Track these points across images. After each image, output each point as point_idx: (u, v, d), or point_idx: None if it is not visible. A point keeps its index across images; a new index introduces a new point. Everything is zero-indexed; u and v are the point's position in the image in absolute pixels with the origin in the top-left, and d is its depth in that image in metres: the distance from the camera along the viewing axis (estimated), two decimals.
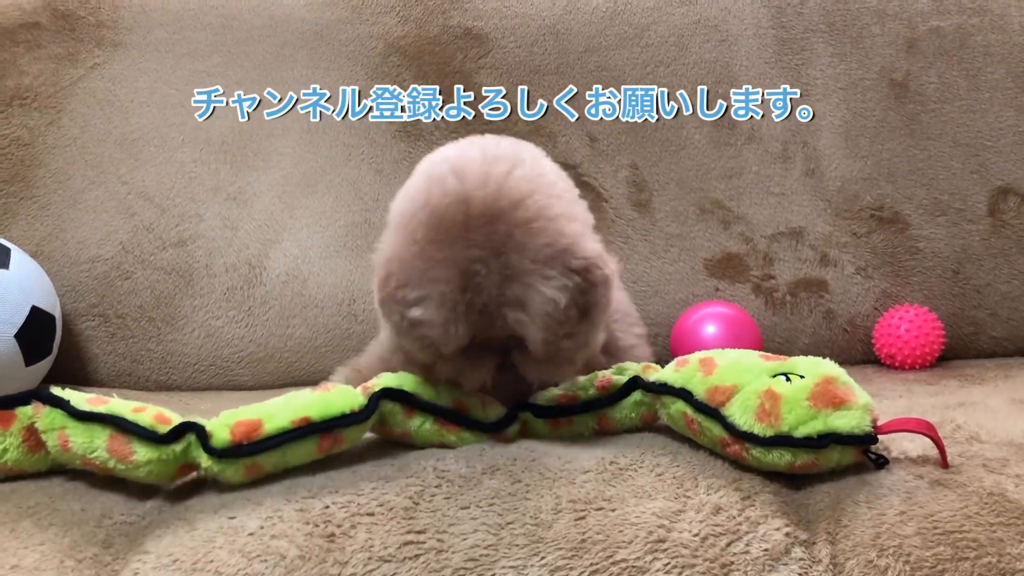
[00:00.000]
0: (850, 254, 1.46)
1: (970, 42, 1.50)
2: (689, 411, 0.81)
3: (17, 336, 1.22)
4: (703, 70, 1.51)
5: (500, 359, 0.84)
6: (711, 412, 0.79)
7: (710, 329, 1.29)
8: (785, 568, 0.67)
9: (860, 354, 1.45)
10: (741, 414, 0.77)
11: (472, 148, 0.86)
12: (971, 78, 1.50)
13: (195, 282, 1.44)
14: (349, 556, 0.67)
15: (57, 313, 1.32)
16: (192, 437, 0.77)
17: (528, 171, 0.82)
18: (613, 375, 0.88)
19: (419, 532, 0.69)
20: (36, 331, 1.25)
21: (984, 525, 0.69)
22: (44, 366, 1.29)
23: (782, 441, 0.75)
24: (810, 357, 0.82)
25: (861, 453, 0.77)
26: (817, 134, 1.50)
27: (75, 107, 1.49)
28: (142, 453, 0.76)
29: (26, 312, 1.23)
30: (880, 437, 0.78)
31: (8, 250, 1.27)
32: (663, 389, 0.83)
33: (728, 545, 0.68)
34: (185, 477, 0.81)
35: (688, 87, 1.51)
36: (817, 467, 0.76)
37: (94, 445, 0.78)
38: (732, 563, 0.67)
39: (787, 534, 0.69)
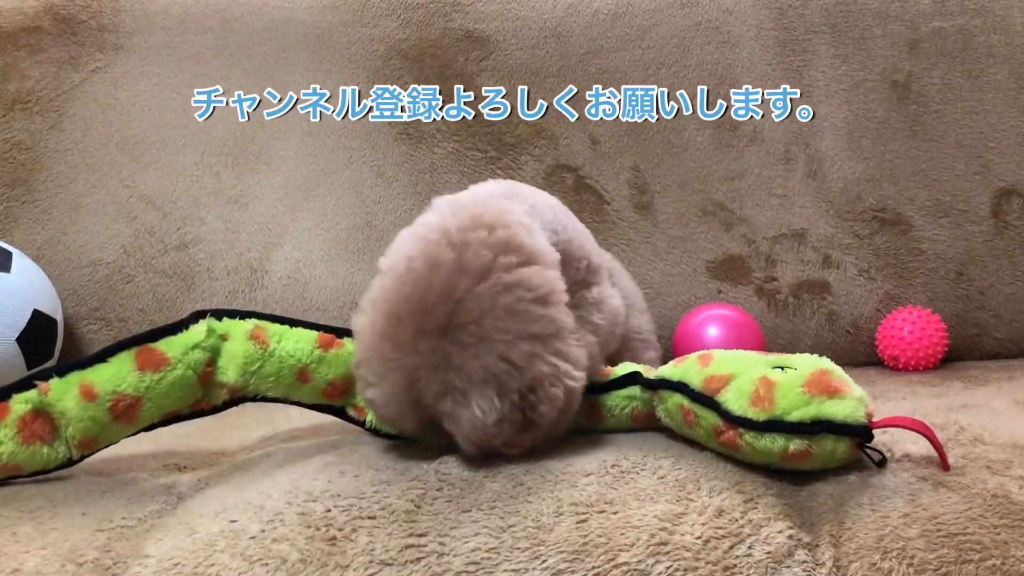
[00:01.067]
0: (853, 256, 1.46)
1: (972, 43, 1.50)
2: (686, 402, 0.81)
3: (19, 340, 1.22)
4: (705, 71, 1.51)
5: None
6: (706, 400, 0.79)
7: (712, 331, 1.29)
8: (788, 571, 0.67)
9: (863, 356, 1.45)
10: (736, 400, 0.77)
11: (465, 220, 0.82)
12: (973, 79, 1.50)
13: (197, 285, 1.44)
14: (350, 560, 0.67)
15: (59, 317, 1.32)
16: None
17: (505, 272, 0.79)
18: (613, 370, 0.91)
19: (420, 535, 0.68)
20: (38, 335, 1.25)
21: (988, 527, 0.69)
22: None
23: (775, 426, 0.74)
24: (807, 355, 0.81)
25: (856, 447, 0.75)
26: (819, 135, 1.50)
27: (77, 111, 1.50)
28: (175, 348, 0.83)
29: (28, 316, 1.23)
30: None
31: (10, 254, 1.27)
32: (661, 384, 0.84)
33: (731, 548, 0.68)
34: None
35: (690, 88, 1.51)
36: (811, 459, 0.75)
37: (122, 372, 0.81)
38: (735, 566, 0.66)
39: (790, 536, 0.69)
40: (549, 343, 0.79)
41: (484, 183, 0.97)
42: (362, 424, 0.94)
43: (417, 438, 0.86)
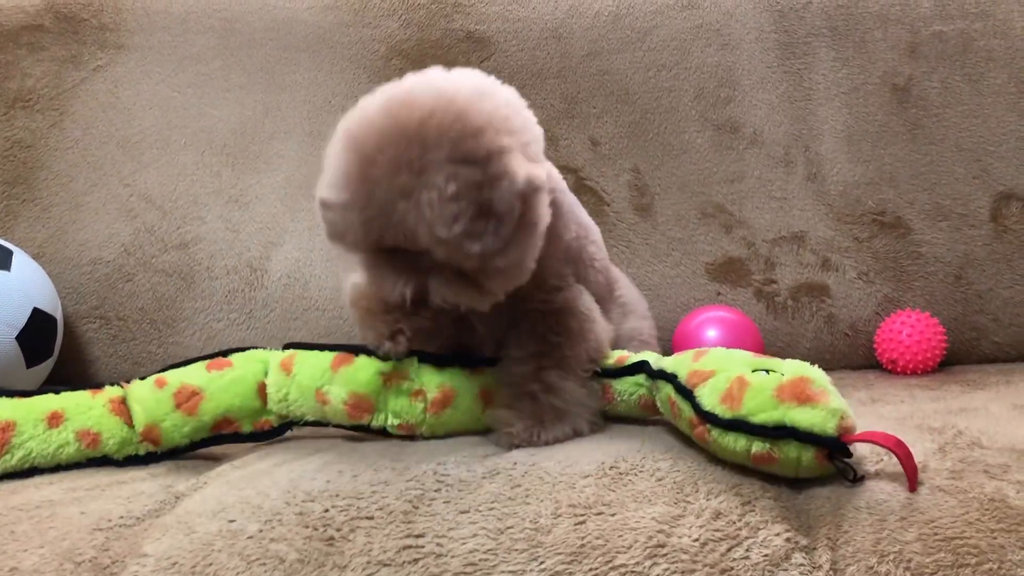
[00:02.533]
0: (852, 259, 1.46)
1: (972, 47, 1.50)
2: (672, 394, 0.84)
3: (18, 338, 1.22)
4: (705, 74, 1.52)
5: (416, 278, 0.83)
6: (686, 393, 0.82)
7: (711, 333, 1.29)
8: (785, 573, 0.67)
9: (862, 359, 1.45)
10: (709, 395, 0.79)
11: (433, 81, 0.84)
12: (973, 83, 1.50)
13: (196, 284, 1.44)
14: (348, 560, 0.67)
15: (58, 315, 1.32)
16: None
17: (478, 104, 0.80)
18: (631, 355, 0.94)
19: (418, 536, 0.69)
20: (37, 333, 1.25)
21: (985, 531, 0.69)
22: (45, 368, 1.29)
23: (738, 425, 0.75)
24: (798, 361, 0.82)
25: (825, 458, 0.74)
26: (819, 139, 1.50)
27: (78, 109, 1.50)
28: (239, 357, 0.97)
29: (27, 314, 1.23)
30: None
31: (10, 252, 1.27)
32: (660, 374, 0.87)
33: (728, 550, 0.68)
34: None
35: (690, 91, 1.51)
36: (777, 463, 0.75)
37: (193, 369, 0.94)
38: (732, 568, 0.67)
39: (787, 539, 0.69)
40: (507, 132, 0.79)
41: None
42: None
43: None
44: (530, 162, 0.80)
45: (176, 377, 0.94)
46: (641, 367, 0.91)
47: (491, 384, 0.93)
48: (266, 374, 0.95)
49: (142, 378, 0.95)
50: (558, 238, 0.95)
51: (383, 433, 0.93)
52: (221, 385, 0.94)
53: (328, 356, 0.93)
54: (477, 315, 0.94)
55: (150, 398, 0.93)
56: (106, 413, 0.93)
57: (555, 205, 0.93)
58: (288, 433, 0.99)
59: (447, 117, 0.77)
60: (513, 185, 0.77)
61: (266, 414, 0.96)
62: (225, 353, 0.97)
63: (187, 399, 0.93)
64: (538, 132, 0.87)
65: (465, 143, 0.76)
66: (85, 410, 0.93)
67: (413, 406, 0.91)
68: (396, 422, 0.91)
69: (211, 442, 0.96)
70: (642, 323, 1.17)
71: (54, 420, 0.91)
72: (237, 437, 0.96)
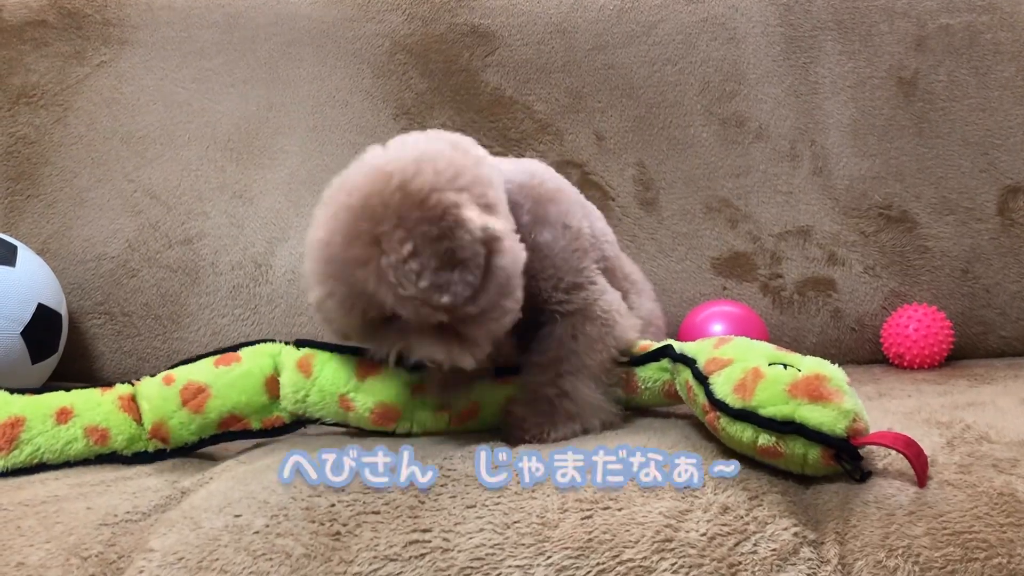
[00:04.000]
0: (858, 253, 1.46)
1: (979, 40, 1.50)
2: (690, 378, 0.84)
3: (23, 334, 1.22)
4: (711, 68, 1.51)
5: (400, 341, 0.84)
6: (701, 379, 0.82)
7: (717, 327, 1.29)
8: (793, 568, 0.67)
9: (868, 353, 1.44)
10: (722, 384, 0.79)
11: (370, 161, 0.85)
12: (980, 76, 1.49)
13: (201, 280, 1.44)
14: (355, 555, 0.67)
15: (63, 311, 1.32)
16: None
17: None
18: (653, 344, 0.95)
19: (425, 531, 0.68)
20: (42, 329, 1.25)
21: (994, 526, 0.69)
22: (50, 364, 1.29)
23: (746, 416, 0.75)
24: (818, 358, 0.81)
25: (832, 458, 0.74)
26: (825, 132, 1.49)
27: (81, 105, 1.50)
28: (248, 352, 0.96)
29: (32, 310, 1.23)
30: (882, 450, 0.77)
31: (14, 248, 1.27)
32: (681, 358, 0.87)
33: (736, 545, 0.68)
34: None
35: (696, 85, 1.51)
36: (783, 458, 0.75)
37: (200, 366, 0.94)
38: (740, 563, 0.66)
39: (795, 534, 0.69)
40: (457, 190, 0.80)
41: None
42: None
43: (370, 349, 0.87)
44: (486, 212, 0.81)
45: (183, 374, 0.94)
46: (665, 351, 0.91)
47: (515, 394, 0.93)
48: (275, 369, 0.95)
49: (152, 375, 0.96)
50: (565, 228, 0.94)
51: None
52: (227, 381, 0.93)
53: (352, 362, 0.92)
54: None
55: (157, 395, 0.93)
56: (115, 410, 0.93)
57: (546, 196, 0.94)
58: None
59: (387, 191, 0.78)
60: (472, 232, 0.78)
61: (276, 410, 0.95)
62: (236, 347, 0.97)
63: (193, 396, 0.92)
64: (496, 181, 0.87)
65: (412, 208, 0.78)
66: (94, 407, 0.93)
67: (439, 418, 0.92)
68: (420, 430, 0.92)
69: (221, 439, 0.95)
70: (654, 307, 1.17)
71: (63, 416, 0.91)
72: (247, 434, 0.96)
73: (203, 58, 1.52)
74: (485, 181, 0.84)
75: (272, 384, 0.94)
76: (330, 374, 0.92)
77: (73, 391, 0.95)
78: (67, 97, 1.50)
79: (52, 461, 0.90)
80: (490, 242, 0.79)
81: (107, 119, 1.49)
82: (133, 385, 0.96)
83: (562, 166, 1.49)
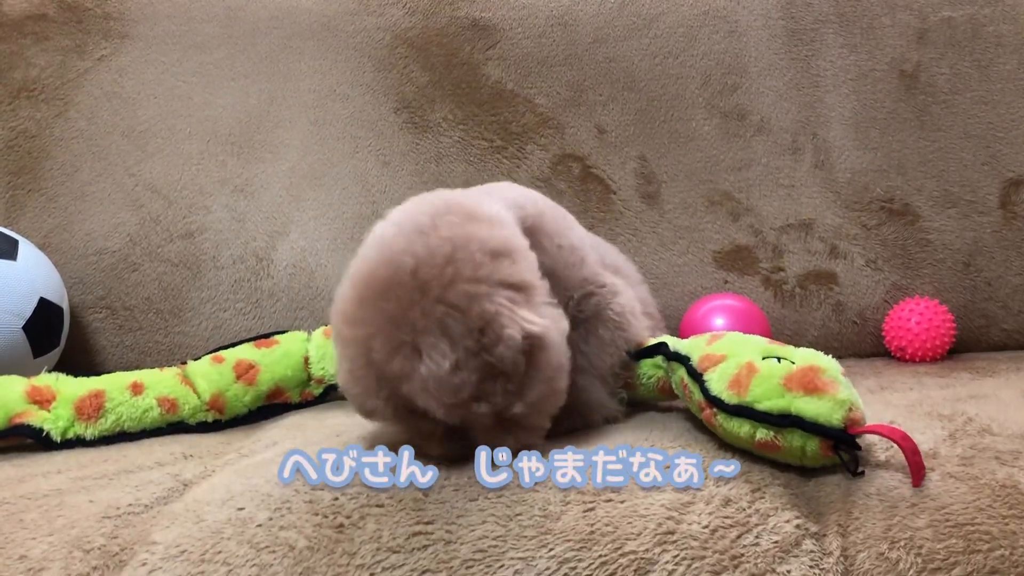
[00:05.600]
0: (860, 246, 1.46)
1: (982, 33, 1.49)
2: (685, 376, 0.85)
3: (25, 328, 1.22)
4: (712, 61, 1.51)
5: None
6: (696, 376, 0.82)
7: (719, 321, 1.29)
8: (796, 560, 0.67)
9: (870, 347, 1.44)
10: (717, 380, 0.79)
11: (416, 218, 0.81)
12: (982, 69, 1.49)
13: (202, 274, 1.44)
14: (358, 547, 0.67)
15: (65, 305, 1.32)
16: None
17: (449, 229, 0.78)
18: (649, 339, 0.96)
19: (428, 523, 0.68)
20: (44, 323, 1.25)
21: (997, 518, 0.69)
22: (52, 358, 1.30)
23: (742, 411, 0.76)
24: (811, 350, 0.81)
25: (829, 449, 0.73)
26: (827, 126, 1.49)
27: (82, 99, 1.49)
28: (283, 336, 1.18)
29: (34, 304, 1.23)
30: (884, 444, 0.77)
31: (16, 242, 1.27)
32: (675, 356, 0.88)
33: (738, 537, 0.68)
34: None
35: (697, 78, 1.50)
36: (780, 451, 0.74)
37: (243, 349, 1.14)
38: (742, 555, 0.66)
39: (797, 526, 0.69)
40: (495, 287, 0.76)
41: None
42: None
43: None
44: (522, 304, 0.77)
45: (230, 355, 1.11)
46: (659, 349, 0.91)
47: None
48: (308, 350, 1.13)
49: (196, 358, 1.12)
50: (559, 248, 0.93)
51: None
52: (273, 359, 1.11)
53: None
54: None
55: (212, 371, 1.08)
56: (178, 383, 1.06)
57: (538, 230, 0.91)
58: (295, 422, 0.99)
59: (423, 297, 0.74)
60: (512, 348, 0.74)
61: (310, 385, 1.14)
62: (269, 335, 1.16)
63: (245, 371, 1.09)
64: (520, 243, 0.82)
65: (453, 317, 0.74)
66: (159, 380, 1.05)
67: None
68: None
69: (266, 411, 1.11)
70: (642, 290, 1.15)
71: (136, 388, 1.03)
72: (287, 407, 1.12)
73: (204, 52, 1.52)
74: (516, 250, 0.80)
75: (307, 363, 1.14)
76: None
77: (133, 371, 1.07)
78: (68, 91, 1.50)
79: (132, 429, 1.01)
80: (532, 344, 0.76)
81: (108, 113, 1.49)
82: (180, 368, 1.09)
83: (563, 159, 1.49)
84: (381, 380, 0.75)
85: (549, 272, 0.88)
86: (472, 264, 0.75)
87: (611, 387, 0.93)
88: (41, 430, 0.96)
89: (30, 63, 1.50)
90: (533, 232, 0.90)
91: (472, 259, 0.76)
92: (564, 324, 0.82)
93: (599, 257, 1.03)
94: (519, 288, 0.78)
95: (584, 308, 0.94)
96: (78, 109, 1.49)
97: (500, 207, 0.86)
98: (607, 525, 0.68)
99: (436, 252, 0.75)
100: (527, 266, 0.81)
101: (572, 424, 0.89)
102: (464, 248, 0.76)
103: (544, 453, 0.76)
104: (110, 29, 1.52)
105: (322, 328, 1.17)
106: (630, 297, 0.98)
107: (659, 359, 0.92)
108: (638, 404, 0.96)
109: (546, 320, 0.78)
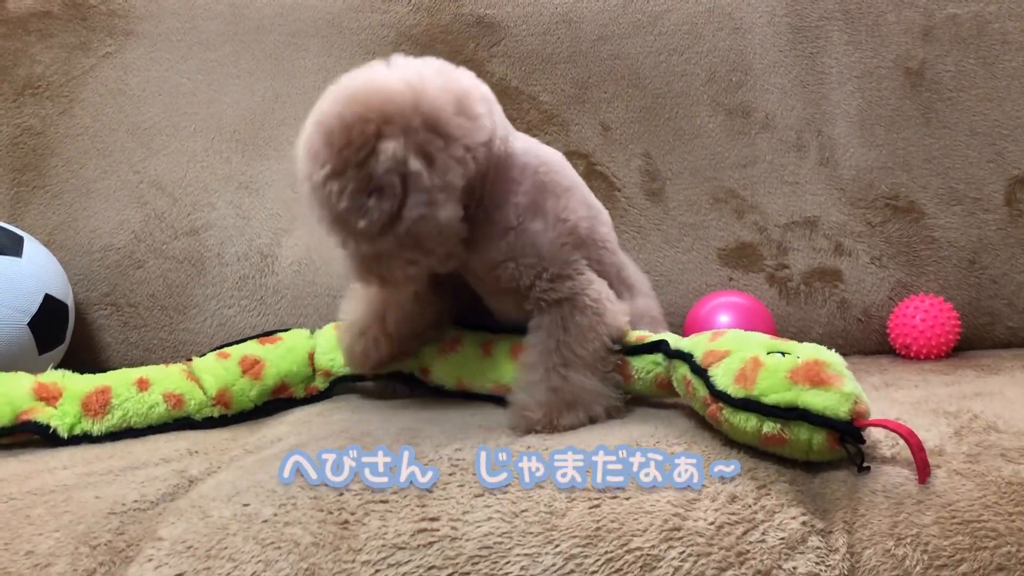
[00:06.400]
0: (865, 244, 1.45)
1: (987, 30, 1.49)
2: (688, 373, 0.85)
3: (31, 324, 1.22)
4: (717, 58, 1.50)
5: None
6: (700, 372, 0.82)
7: (724, 318, 1.28)
8: (802, 557, 0.67)
9: (875, 344, 1.44)
10: (723, 375, 0.80)
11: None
12: (988, 66, 1.48)
13: (207, 271, 1.44)
14: (363, 543, 0.67)
15: (70, 302, 1.32)
16: None
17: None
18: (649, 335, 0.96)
19: (433, 519, 0.68)
20: (49, 319, 1.25)
21: (1003, 515, 0.69)
22: (57, 354, 1.30)
23: (749, 405, 0.76)
24: (815, 344, 0.81)
25: (836, 442, 0.74)
26: (832, 123, 1.49)
27: (87, 96, 1.49)
28: (287, 334, 1.20)
29: (39, 300, 1.23)
30: (893, 436, 0.77)
31: (21, 239, 1.27)
32: (676, 354, 0.88)
33: (744, 533, 0.68)
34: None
35: (702, 75, 1.50)
36: (787, 445, 0.74)
37: (248, 345, 1.15)
38: (748, 551, 0.66)
39: (803, 523, 0.69)
40: (389, 124, 0.84)
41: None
42: (424, 386, 1.09)
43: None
44: (419, 156, 0.84)
45: (236, 351, 1.12)
46: (659, 346, 0.91)
47: (489, 338, 1.05)
48: (312, 346, 1.15)
49: (201, 355, 1.13)
50: (559, 221, 0.94)
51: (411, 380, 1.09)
52: (278, 354, 1.13)
53: None
54: (491, 301, 0.99)
55: (219, 367, 1.09)
56: (184, 379, 1.06)
57: (549, 187, 0.95)
58: (300, 418, 0.99)
59: (323, 119, 0.86)
60: (386, 162, 0.82)
61: (315, 380, 1.15)
62: (272, 332, 1.18)
63: (251, 366, 1.10)
64: (462, 124, 0.88)
65: (343, 136, 0.84)
66: (165, 376, 1.05)
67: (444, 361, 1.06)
68: (416, 369, 1.09)
69: (272, 406, 1.11)
70: (649, 301, 1.16)
71: (142, 384, 1.03)
72: (292, 402, 1.13)
73: (208, 49, 1.52)
74: (438, 124, 0.86)
75: (311, 358, 1.15)
76: None
77: (139, 367, 1.08)
78: (72, 88, 1.50)
79: (138, 425, 1.01)
80: (407, 178, 0.83)
81: (112, 110, 1.49)
82: (186, 364, 1.10)
83: (568, 156, 1.45)
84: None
85: (535, 234, 0.93)
86: (377, 102, 0.85)
87: (600, 374, 0.93)
88: (48, 426, 0.96)
89: (35, 60, 1.50)
90: (543, 190, 0.96)
91: (384, 99, 0.85)
92: (450, 211, 0.87)
93: (603, 262, 1.03)
94: (422, 146, 0.85)
95: (557, 289, 0.94)
96: (83, 106, 1.49)
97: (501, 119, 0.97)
98: (613, 521, 0.68)
99: (360, 85, 0.88)
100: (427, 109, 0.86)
101: (577, 418, 0.89)
102: (383, 90, 0.86)
103: (544, 454, 0.76)
104: (115, 26, 1.52)
105: (330, 324, 1.18)
106: (604, 286, 0.98)
107: (658, 356, 0.92)
108: (638, 400, 0.96)
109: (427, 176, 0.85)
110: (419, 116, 0.85)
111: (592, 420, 0.90)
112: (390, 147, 0.83)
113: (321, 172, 0.84)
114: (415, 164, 0.83)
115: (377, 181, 0.83)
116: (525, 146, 0.98)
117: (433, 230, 0.86)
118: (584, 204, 1.01)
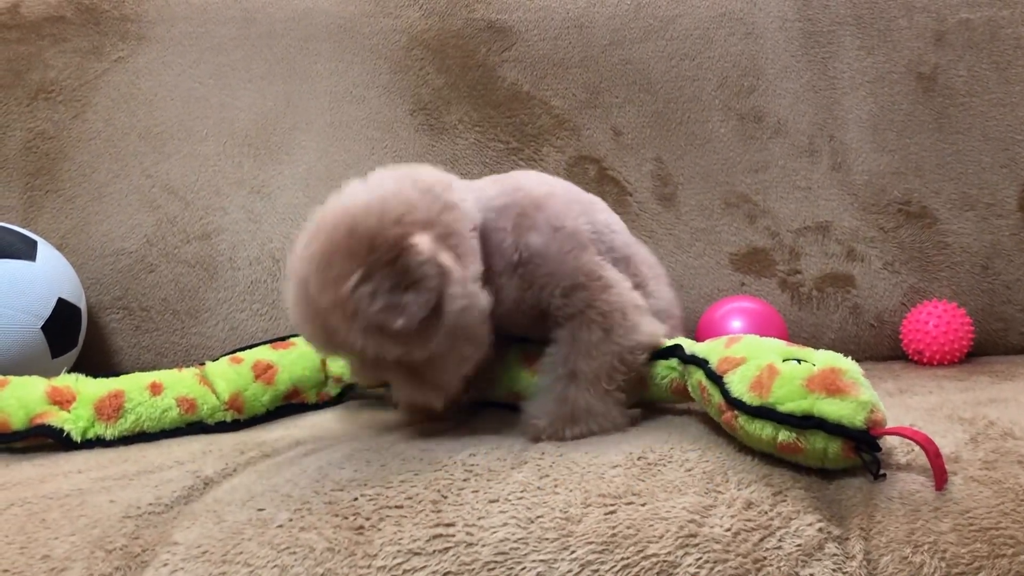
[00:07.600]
0: (877, 249, 1.45)
1: (1000, 34, 1.48)
2: (703, 379, 0.84)
3: (44, 328, 1.22)
4: (728, 63, 1.50)
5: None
6: (716, 378, 0.82)
7: (736, 324, 1.28)
8: (819, 564, 0.66)
9: (888, 350, 1.43)
10: (738, 382, 0.79)
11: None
12: (1001, 71, 1.48)
13: (219, 275, 1.44)
14: (378, 549, 0.67)
15: (83, 305, 1.32)
16: None
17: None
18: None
19: (448, 525, 0.68)
20: (62, 323, 1.25)
21: (1021, 522, 0.68)
22: (70, 358, 1.30)
23: (765, 413, 0.75)
24: (831, 352, 0.81)
25: (852, 451, 0.73)
26: (844, 128, 1.48)
27: (100, 101, 1.50)
28: (299, 340, 1.16)
29: (53, 304, 1.24)
30: (908, 442, 0.76)
31: (34, 243, 1.28)
32: (692, 359, 0.87)
33: (761, 540, 0.67)
34: None
35: (713, 80, 1.50)
36: (802, 453, 0.74)
37: (261, 350, 1.15)
38: (765, 558, 0.66)
39: (820, 529, 0.68)
40: (403, 225, 0.82)
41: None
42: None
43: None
44: (443, 248, 0.83)
45: (250, 355, 1.13)
46: (674, 351, 0.91)
47: (504, 348, 1.00)
48: None
49: (214, 359, 1.13)
50: (554, 230, 0.93)
51: None
52: (291, 359, 1.13)
53: None
54: (512, 329, 0.98)
55: (231, 371, 1.09)
56: (196, 383, 1.06)
57: (527, 205, 0.94)
58: (315, 423, 0.99)
59: (343, 238, 0.82)
60: (421, 254, 0.80)
61: (327, 386, 1.15)
62: (285, 338, 1.18)
63: (264, 371, 1.10)
64: (461, 226, 0.88)
65: (361, 249, 0.80)
66: (178, 381, 1.05)
67: None
68: None
69: (284, 411, 1.12)
70: (671, 294, 1.15)
71: (155, 389, 1.03)
72: (304, 407, 1.14)
73: (220, 54, 1.52)
74: (444, 223, 0.86)
75: (324, 364, 1.15)
76: None
77: (151, 371, 1.07)
78: (85, 93, 1.50)
79: (151, 429, 1.01)
80: (442, 275, 0.81)
81: (125, 115, 1.50)
82: (199, 368, 1.09)
83: (579, 161, 1.48)
84: (315, 311, 0.83)
85: (538, 252, 0.91)
86: (373, 221, 0.82)
87: (602, 392, 0.89)
88: (62, 430, 0.97)
89: (48, 65, 1.51)
90: (528, 210, 0.93)
91: (385, 209, 0.83)
92: (482, 299, 0.86)
93: (615, 248, 1.02)
94: (441, 239, 0.84)
95: (571, 303, 0.92)
96: (95, 111, 1.50)
97: (470, 194, 0.94)
98: (629, 528, 0.68)
99: (357, 203, 0.84)
100: (457, 240, 0.86)
101: (580, 432, 0.88)
102: (383, 202, 0.84)
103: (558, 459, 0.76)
104: (127, 31, 1.52)
105: None
106: (621, 293, 0.94)
107: (673, 361, 0.91)
108: (654, 406, 0.96)
109: (461, 271, 0.83)
110: (430, 215, 0.85)
111: (594, 434, 0.88)
112: (423, 240, 0.81)
113: (347, 284, 0.79)
114: (446, 257, 0.82)
115: (412, 275, 0.79)
116: (495, 189, 0.97)
117: (479, 318, 0.85)
118: (571, 202, 0.99)
